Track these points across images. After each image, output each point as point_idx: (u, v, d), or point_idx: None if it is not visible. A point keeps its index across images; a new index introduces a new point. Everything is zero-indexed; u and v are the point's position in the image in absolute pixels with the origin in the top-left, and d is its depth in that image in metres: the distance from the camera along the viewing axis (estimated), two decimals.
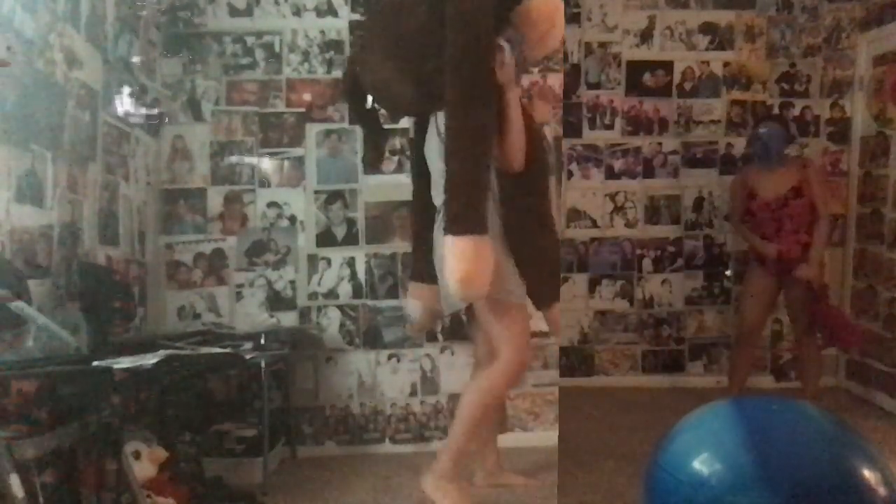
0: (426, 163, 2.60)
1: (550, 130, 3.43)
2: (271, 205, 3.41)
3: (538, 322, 3.43)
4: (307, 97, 3.37)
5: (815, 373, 3.94)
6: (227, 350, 2.74)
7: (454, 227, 2.24)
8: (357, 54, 2.63)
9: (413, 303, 2.90)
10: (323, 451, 3.40)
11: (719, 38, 4.57)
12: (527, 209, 2.52)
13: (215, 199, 3.39)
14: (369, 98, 2.75)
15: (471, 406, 2.54)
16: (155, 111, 3.27)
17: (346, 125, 3.39)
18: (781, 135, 3.90)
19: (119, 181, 2.92)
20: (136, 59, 3.06)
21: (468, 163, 2.25)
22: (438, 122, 2.45)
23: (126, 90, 2.99)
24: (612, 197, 4.64)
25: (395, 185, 3.34)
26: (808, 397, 3.78)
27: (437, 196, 2.51)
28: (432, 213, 2.57)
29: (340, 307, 3.43)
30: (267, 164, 3.41)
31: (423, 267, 2.73)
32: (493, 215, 2.45)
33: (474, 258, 2.21)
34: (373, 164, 3.00)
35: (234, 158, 3.39)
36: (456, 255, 2.21)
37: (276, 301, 3.41)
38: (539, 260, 2.55)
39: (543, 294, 2.62)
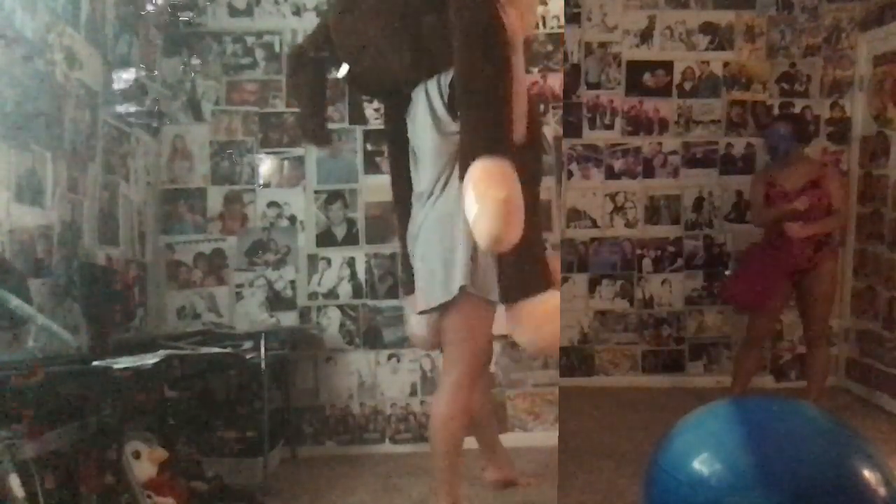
0: (406, 157, 2.42)
1: (550, 130, 3.43)
2: (271, 205, 3.41)
3: None
4: None
5: (822, 375, 3.88)
6: (227, 350, 2.74)
7: (490, 149, 1.98)
8: (334, 9, 2.35)
9: (417, 318, 2.52)
10: (323, 451, 3.41)
11: (719, 38, 4.57)
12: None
13: (215, 199, 3.39)
14: (342, 68, 2.41)
15: (438, 437, 2.35)
16: (155, 111, 3.27)
17: (346, 125, 3.39)
18: (788, 135, 3.83)
19: (119, 181, 2.92)
20: (135, 59, 3.06)
21: (493, 101, 2.03)
22: (432, 92, 2.24)
23: (126, 90, 2.99)
24: (612, 197, 4.64)
25: None
26: (811, 398, 3.76)
27: (424, 179, 2.32)
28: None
29: (340, 307, 3.43)
30: (267, 164, 3.41)
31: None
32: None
33: (514, 182, 1.95)
34: (320, 138, 2.66)
35: (233, 158, 3.39)
36: (496, 178, 1.94)
37: (276, 301, 3.41)
38: (526, 245, 2.18)
39: (520, 285, 2.24)
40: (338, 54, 2.37)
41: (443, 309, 2.27)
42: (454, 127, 2.18)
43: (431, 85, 2.24)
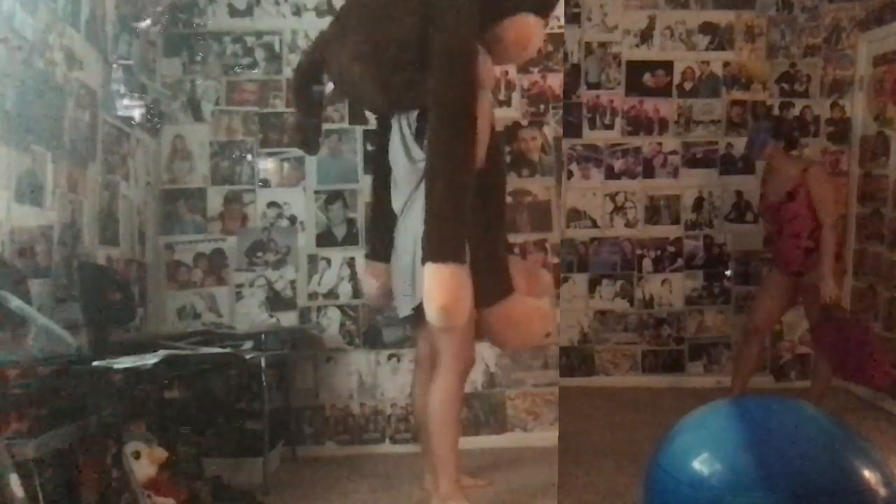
0: (386, 155, 2.64)
1: (550, 130, 3.44)
2: (271, 205, 3.41)
3: None
4: None
5: (826, 376, 3.87)
6: (227, 350, 2.73)
7: (436, 255, 2.23)
8: (327, 41, 2.56)
9: (369, 282, 2.91)
10: (323, 451, 3.41)
11: (719, 38, 4.58)
12: (481, 208, 2.45)
13: (215, 199, 3.39)
14: (328, 86, 2.74)
15: (437, 419, 2.52)
16: (155, 111, 3.27)
17: (346, 125, 3.39)
18: (761, 136, 3.84)
19: (119, 181, 2.92)
20: (135, 59, 3.06)
21: (452, 192, 2.24)
22: (403, 124, 2.50)
23: (126, 90, 2.99)
24: (612, 197, 4.65)
25: None
26: (813, 398, 3.75)
27: (398, 198, 2.58)
28: (388, 193, 2.65)
29: (340, 307, 3.43)
30: (267, 164, 3.41)
31: (380, 246, 2.77)
32: None
33: (456, 287, 2.21)
34: (312, 146, 2.90)
35: (234, 158, 3.39)
36: (438, 284, 2.20)
37: (276, 301, 3.41)
38: (486, 257, 2.47)
39: (480, 296, 2.41)
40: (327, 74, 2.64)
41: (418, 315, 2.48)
42: (421, 155, 2.41)
43: (403, 117, 2.51)
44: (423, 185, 2.34)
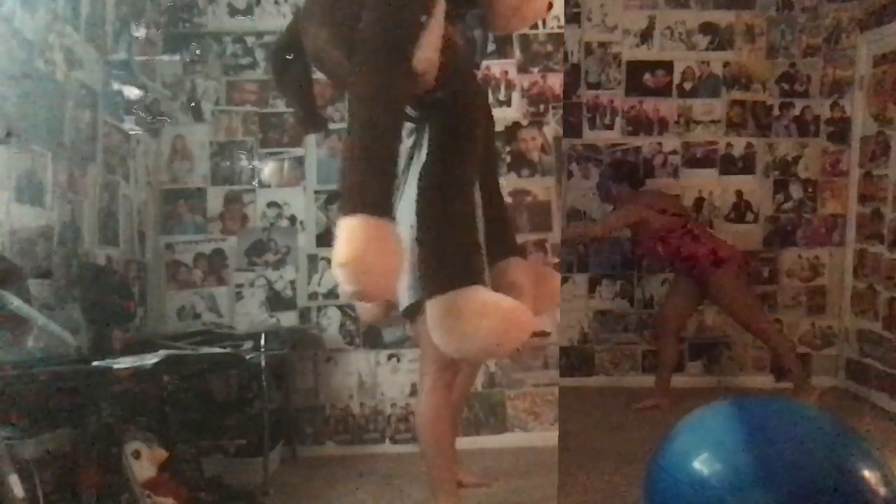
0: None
1: (550, 130, 3.44)
2: (271, 205, 3.41)
3: (538, 322, 3.45)
4: None
5: (792, 357, 4.03)
6: (227, 350, 2.73)
7: (344, 205, 1.89)
8: (300, 16, 2.39)
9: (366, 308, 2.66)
10: (323, 451, 3.41)
11: (719, 38, 4.57)
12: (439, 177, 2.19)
13: (215, 199, 3.39)
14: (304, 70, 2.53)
15: (427, 437, 2.38)
16: (155, 111, 3.27)
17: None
18: (604, 182, 4.38)
19: (119, 181, 2.92)
20: (135, 59, 3.06)
21: (365, 134, 1.93)
22: None
23: (126, 90, 2.99)
24: None
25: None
26: (801, 395, 3.82)
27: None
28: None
29: (340, 307, 3.43)
30: (267, 164, 3.41)
31: None
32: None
33: (363, 241, 1.81)
34: (311, 124, 2.72)
35: (234, 158, 3.39)
36: (340, 237, 1.83)
37: (276, 301, 3.41)
38: (440, 234, 2.13)
39: (430, 281, 2.12)
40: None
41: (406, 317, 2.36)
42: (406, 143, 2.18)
43: None
44: (411, 170, 2.17)
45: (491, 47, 3.27)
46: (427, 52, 2.02)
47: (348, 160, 1.94)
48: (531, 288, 2.40)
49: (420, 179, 2.19)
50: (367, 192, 1.88)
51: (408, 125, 2.26)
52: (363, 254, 1.80)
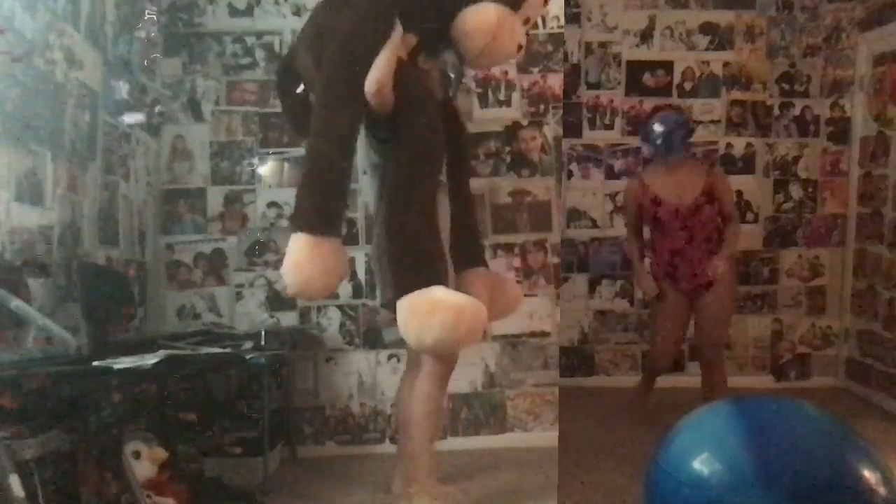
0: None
1: (550, 130, 3.44)
2: (271, 205, 3.41)
3: (538, 322, 3.46)
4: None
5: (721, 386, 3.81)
6: (227, 350, 2.73)
7: (294, 223, 2.28)
8: (298, 39, 2.62)
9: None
10: (323, 451, 3.41)
11: (719, 38, 4.58)
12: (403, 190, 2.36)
13: (215, 199, 3.39)
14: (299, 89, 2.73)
15: (415, 421, 2.52)
16: (155, 111, 3.27)
17: None
18: (681, 124, 3.76)
19: (119, 181, 2.92)
20: (135, 59, 3.06)
21: (318, 160, 2.23)
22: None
23: (126, 90, 2.99)
24: (612, 197, 4.64)
25: None
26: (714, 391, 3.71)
27: (373, 191, 2.64)
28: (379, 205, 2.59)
29: (340, 307, 3.43)
30: (267, 164, 3.41)
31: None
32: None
33: (304, 259, 2.19)
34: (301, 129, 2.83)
35: (234, 158, 3.39)
36: (289, 250, 2.21)
37: (276, 301, 3.41)
38: (406, 243, 2.30)
39: (396, 283, 2.32)
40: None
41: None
42: (376, 159, 2.53)
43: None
44: (387, 183, 2.39)
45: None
46: (375, 73, 2.23)
47: (299, 184, 2.27)
48: (488, 296, 2.52)
49: (387, 195, 2.40)
50: (311, 214, 2.20)
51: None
52: (300, 267, 2.19)
